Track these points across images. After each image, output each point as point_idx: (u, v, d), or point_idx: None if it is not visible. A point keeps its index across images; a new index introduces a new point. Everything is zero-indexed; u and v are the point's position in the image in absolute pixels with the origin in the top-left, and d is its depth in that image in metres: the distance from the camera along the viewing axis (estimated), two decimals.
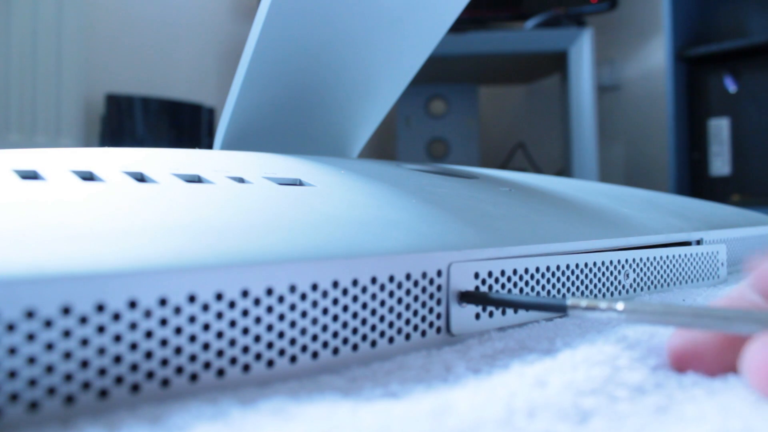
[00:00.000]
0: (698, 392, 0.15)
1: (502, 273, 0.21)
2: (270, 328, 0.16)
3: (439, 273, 0.20)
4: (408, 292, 0.19)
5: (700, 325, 0.16)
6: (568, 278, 0.24)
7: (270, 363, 0.16)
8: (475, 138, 1.81)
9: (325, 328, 0.17)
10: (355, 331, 0.18)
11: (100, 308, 0.13)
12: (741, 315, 0.15)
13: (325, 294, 0.17)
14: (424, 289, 0.19)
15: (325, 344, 0.17)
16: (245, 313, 0.16)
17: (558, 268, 0.24)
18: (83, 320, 0.13)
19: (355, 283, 0.18)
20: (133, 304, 0.14)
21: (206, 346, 0.15)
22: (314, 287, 0.17)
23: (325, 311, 0.17)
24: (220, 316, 0.15)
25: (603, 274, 0.26)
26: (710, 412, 0.13)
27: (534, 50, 1.60)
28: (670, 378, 0.16)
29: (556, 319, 0.23)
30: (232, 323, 0.15)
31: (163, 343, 0.14)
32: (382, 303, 0.18)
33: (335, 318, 0.17)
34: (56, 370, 0.13)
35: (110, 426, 0.13)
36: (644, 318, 0.16)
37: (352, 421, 0.13)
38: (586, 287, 0.25)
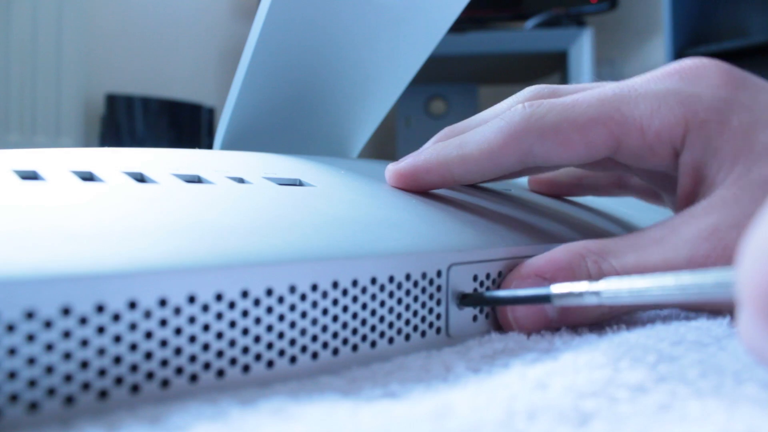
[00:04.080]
0: (705, 388, 0.15)
1: (499, 274, 0.21)
2: (270, 328, 0.16)
3: (438, 273, 0.20)
4: (408, 292, 0.19)
5: (686, 296, 0.15)
6: None
7: (270, 364, 0.16)
8: None
9: (324, 328, 0.17)
10: (354, 331, 0.18)
11: (100, 309, 0.13)
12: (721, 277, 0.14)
13: (324, 295, 0.17)
14: (423, 290, 0.19)
15: (325, 345, 0.17)
16: (245, 313, 0.16)
17: None
18: (83, 321, 0.13)
19: (354, 283, 0.18)
20: (133, 305, 0.14)
21: (206, 347, 0.15)
22: (314, 288, 0.17)
23: (324, 312, 0.17)
24: (219, 316, 0.15)
25: None
26: (715, 410, 0.13)
27: (534, 50, 1.60)
28: (673, 373, 0.16)
29: None
30: (232, 324, 0.15)
31: (163, 343, 0.14)
32: (382, 304, 0.18)
33: (335, 319, 0.17)
34: (56, 370, 0.13)
35: (110, 426, 0.13)
36: (624, 298, 0.16)
37: (352, 422, 0.13)
38: None
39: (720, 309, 0.21)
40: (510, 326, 0.21)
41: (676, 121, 0.22)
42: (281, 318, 0.16)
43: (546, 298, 0.18)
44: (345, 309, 0.17)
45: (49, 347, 0.13)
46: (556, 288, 0.18)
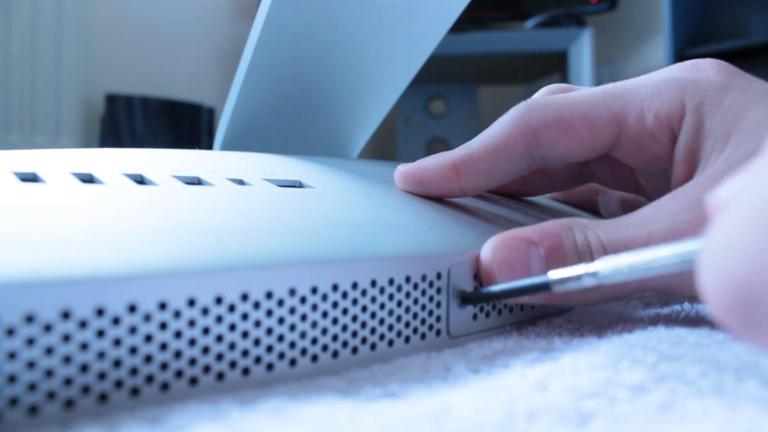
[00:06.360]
0: (705, 387, 0.15)
1: None
2: (270, 331, 0.16)
3: (438, 275, 0.20)
4: (408, 294, 0.19)
5: (685, 265, 0.15)
6: None
7: (270, 366, 0.16)
8: None
9: (324, 331, 0.17)
10: (354, 334, 0.18)
11: (100, 312, 0.13)
12: None
13: (324, 297, 0.17)
14: (423, 292, 0.19)
15: (325, 347, 0.17)
16: (245, 316, 0.16)
17: None
18: (83, 324, 0.13)
19: (354, 286, 0.18)
20: (132, 308, 0.14)
21: (206, 350, 0.15)
22: (314, 290, 0.17)
23: (324, 314, 0.17)
24: (219, 319, 0.15)
25: None
26: (715, 409, 0.13)
27: (534, 50, 1.60)
28: (673, 372, 0.16)
29: (553, 319, 0.23)
30: (232, 327, 0.15)
31: (163, 346, 0.14)
32: (382, 306, 0.18)
33: (335, 321, 0.17)
34: (56, 374, 0.13)
35: (109, 427, 0.13)
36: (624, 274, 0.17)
37: (352, 422, 0.13)
38: None
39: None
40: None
41: (674, 104, 0.23)
42: (281, 321, 0.16)
43: (545, 286, 0.19)
44: (345, 311, 0.17)
45: (49, 351, 0.13)
46: (554, 274, 0.18)
